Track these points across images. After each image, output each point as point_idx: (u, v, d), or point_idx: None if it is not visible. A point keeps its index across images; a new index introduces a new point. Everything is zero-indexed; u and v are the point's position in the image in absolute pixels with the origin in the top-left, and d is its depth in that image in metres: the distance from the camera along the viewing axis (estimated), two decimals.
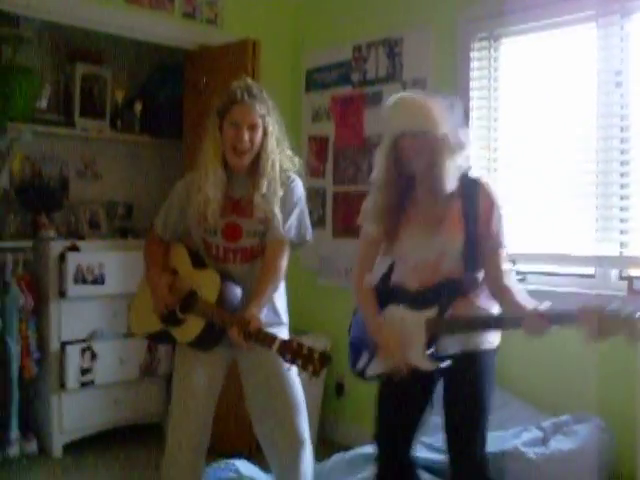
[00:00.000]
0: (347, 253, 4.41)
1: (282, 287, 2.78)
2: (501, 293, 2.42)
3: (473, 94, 3.86)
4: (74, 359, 4.11)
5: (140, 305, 2.84)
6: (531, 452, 2.96)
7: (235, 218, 2.68)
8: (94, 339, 4.21)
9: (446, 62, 3.96)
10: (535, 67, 3.69)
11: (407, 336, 2.44)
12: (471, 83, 3.86)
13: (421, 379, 2.47)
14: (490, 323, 2.44)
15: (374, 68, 4.31)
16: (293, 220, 2.70)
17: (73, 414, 4.14)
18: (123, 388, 4.35)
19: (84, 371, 4.14)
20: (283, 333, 2.75)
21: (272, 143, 2.67)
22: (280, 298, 2.78)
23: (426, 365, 2.41)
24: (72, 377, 4.10)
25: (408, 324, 2.45)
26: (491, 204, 2.43)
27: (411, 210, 2.50)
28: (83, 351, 4.15)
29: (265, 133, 2.66)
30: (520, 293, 2.40)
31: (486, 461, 2.47)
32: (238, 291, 2.62)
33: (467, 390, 2.45)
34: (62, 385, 4.09)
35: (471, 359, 2.45)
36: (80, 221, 4.64)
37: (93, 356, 4.18)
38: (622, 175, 3.40)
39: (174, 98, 4.77)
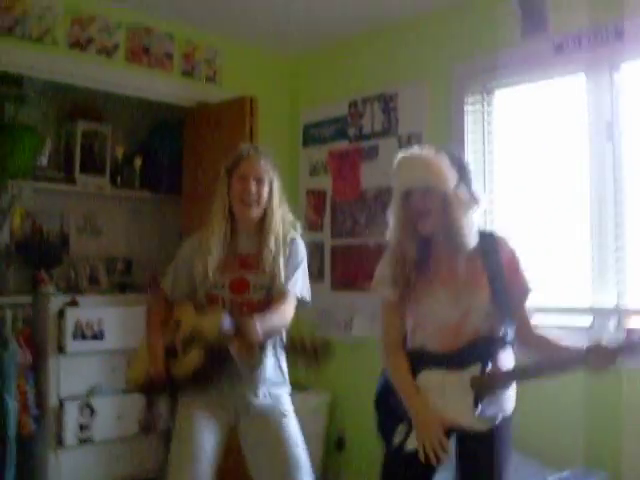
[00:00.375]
0: (346, 306, 4.42)
1: (283, 351, 2.77)
2: (538, 340, 2.37)
3: (468, 147, 3.91)
4: (72, 415, 4.07)
5: (137, 360, 2.83)
6: None
7: (243, 272, 2.71)
8: (93, 395, 4.18)
9: (440, 116, 4.03)
10: (528, 119, 3.75)
11: (451, 399, 2.31)
12: (465, 136, 3.93)
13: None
14: (550, 367, 2.30)
15: (370, 123, 4.39)
16: (298, 277, 2.73)
17: (71, 471, 4.08)
18: (122, 444, 4.30)
19: (82, 427, 4.11)
20: (285, 393, 2.77)
21: (277, 201, 2.75)
22: (284, 359, 2.78)
23: (480, 425, 2.29)
24: (70, 434, 4.05)
25: (450, 386, 2.31)
26: (511, 255, 2.39)
27: (430, 271, 2.41)
28: (82, 407, 4.11)
29: (271, 189, 2.73)
30: (558, 338, 2.33)
31: None
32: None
33: (489, 460, 2.34)
34: (60, 442, 4.04)
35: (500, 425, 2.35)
36: (80, 276, 4.65)
37: (92, 412, 4.15)
38: (617, 225, 3.43)
39: (173, 154, 4.84)
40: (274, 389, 2.72)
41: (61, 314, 4.08)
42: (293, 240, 2.77)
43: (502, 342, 2.35)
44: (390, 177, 2.45)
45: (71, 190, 4.67)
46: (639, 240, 3.38)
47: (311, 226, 4.67)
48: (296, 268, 2.73)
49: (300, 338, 2.35)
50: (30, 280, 4.37)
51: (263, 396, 2.70)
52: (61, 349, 4.07)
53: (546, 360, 2.33)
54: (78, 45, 3.98)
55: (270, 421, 2.68)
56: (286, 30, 4.50)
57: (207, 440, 2.66)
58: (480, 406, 2.27)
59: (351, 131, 4.50)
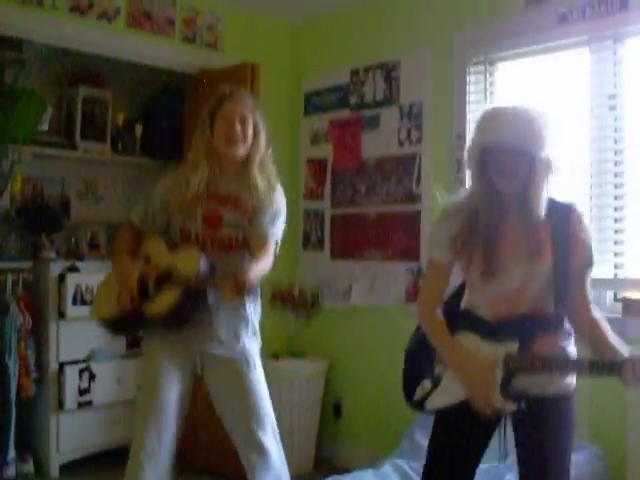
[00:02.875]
0: (345, 275, 4.43)
1: (259, 306, 2.80)
2: (589, 328, 2.20)
3: (469, 117, 3.89)
4: (72, 379, 4.12)
5: (105, 292, 2.81)
6: None
7: (217, 207, 2.72)
8: (92, 359, 4.22)
9: (442, 85, 4.01)
10: (530, 91, 3.73)
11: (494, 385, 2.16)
12: (467, 106, 3.91)
13: (484, 421, 2.21)
14: (582, 366, 2.14)
15: (371, 91, 4.36)
16: (279, 224, 2.74)
17: (71, 434, 4.14)
18: (121, 408, 4.35)
19: (82, 391, 4.15)
20: (254, 345, 2.78)
21: (263, 144, 2.75)
22: (256, 316, 2.80)
23: (504, 406, 2.14)
24: (70, 397, 4.11)
25: (482, 357, 2.19)
26: (580, 226, 2.22)
27: (497, 236, 2.21)
28: (81, 371, 4.16)
29: (256, 131, 2.73)
30: (610, 332, 2.18)
31: None
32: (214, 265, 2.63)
33: (549, 442, 2.19)
34: (60, 405, 4.10)
35: (552, 404, 2.20)
36: (80, 242, 4.67)
37: (91, 376, 4.19)
38: (616, 198, 3.44)
39: (174, 121, 4.83)
40: (241, 338, 2.73)
41: (61, 279, 4.11)
42: (275, 187, 2.76)
43: (549, 323, 2.21)
44: (475, 129, 2.23)
45: (72, 156, 4.68)
46: (639, 212, 3.39)
47: (311, 195, 4.68)
48: (277, 215, 2.73)
49: (288, 289, 2.33)
50: (31, 245, 4.39)
51: (228, 343, 2.71)
52: (61, 314, 4.10)
53: (586, 360, 2.15)
54: (78, 9, 3.94)
55: (236, 371, 2.72)
56: None
57: (172, 389, 2.70)
58: (508, 387, 2.14)
59: (352, 100, 4.48)
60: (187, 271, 2.56)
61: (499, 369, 2.15)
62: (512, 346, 2.16)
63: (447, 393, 2.26)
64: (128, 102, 5.06)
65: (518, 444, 2.25)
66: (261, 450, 2.71)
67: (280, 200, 2.76)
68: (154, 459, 2.68)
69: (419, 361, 2.37)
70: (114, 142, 4.84)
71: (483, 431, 2.29)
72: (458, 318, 2.30)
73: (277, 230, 2.74)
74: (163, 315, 2.58)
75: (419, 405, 2.32)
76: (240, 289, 2.42)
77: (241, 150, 2.71)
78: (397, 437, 3.76)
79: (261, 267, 2.60)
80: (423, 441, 3.58)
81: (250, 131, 2.72)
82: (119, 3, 4.10)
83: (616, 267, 3.41)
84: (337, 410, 4.50)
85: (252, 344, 2.77)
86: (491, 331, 2.21)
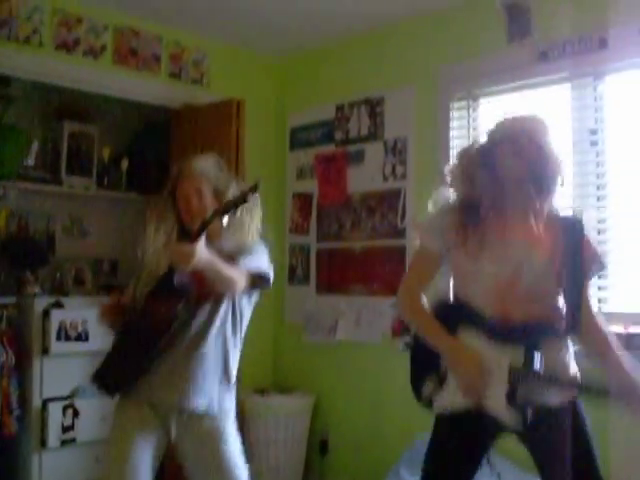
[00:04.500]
0: (331, 309, 4.43)
1: (238, 353, 2.70)
2: (599, 339, 2.21)
3: (454, 152, 3.93)
4: (56, 417, 4.06)
5: None
6: None
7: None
8: (76, 396, 4.18)
9: (426, 121, 4.06)
10: None
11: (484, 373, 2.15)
12: (451, 142, 3.95)
13: (488, 427, 2.18)
14: (591, 391, 2.13)
15: (356, 127, 4.41)
16: (254, 258, 2.63)
17: (53, 473, 4.06)
18: (105, 446, 4.29)
19: (66, 429, 4.10)
20: (229, 398, 2.65)
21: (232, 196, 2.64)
22: (234, 360, 2.67)
23: (509, 419, 2.11)
24: (53, 435, 4.04)
25: (486, 360, 2.15)
26: (588, 238, 2.32)
27: (493, 225, 2.26)
28: (65, 408, 4.10)
29: (217, 194, 2.66)
30: (622, 352, 2.17)
31: None
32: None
33: (567, 451, 2.15)
34: (43, 443, 4.03)
35: (560, 413, 2.17)
36: (65, 277, 4.64)
37: (75, 414, 4.14)
38: (599, 232, 3.46)
39: (160, 156, 4.84)
40: (214, 394, 2.58)
41: (46, 315, 4.08)
42: (250, 246, 2.66)
43: (555, 332, 2.20)
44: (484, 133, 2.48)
45: (57, 191, 4.67)
46: (621, 248, 3.41)
47: (297, 229, 4.69)
48: (253, 252, 2.63)
49: (226, 200, 2.46)
50: (15, 280, 4.36)
51: (198, 400, 2.56)
52: (45, 350, 4.05)
53: (597, 385, 2.12)
54: (65, 46, 3.98)
55: (208, 440, 2.59)
56: (274, 33, 4.52)
57: (143, 461, 2.58)
58: (514, 398, 2.10)
59: (338, 135, 4.51)
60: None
61: (505, 378, 2.11)
62: (517, 355, 2.12)
63: (454, 396, 2.21)
64: (114, 137, 5.07)
65: (539, 464, 2.23)
66: None
67: (255, 245, 2.67)
68: None
69: (424, 356, 2.30)
70: (100, 177, 4.84)
71: (481, 443, 2.26)
72: (454, 316, 2.25)
73: (252, 262, 2.60)
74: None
75: (429, 404, 2.27)
76: (193, 238, 2.36)
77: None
78: (383, 474, 3.73)
79: (224, 266, 2.46)
80: (409, 478, 3.57)
81: (208, 201, 2.64)
82: (105, 40, 4.14)
83: (600, 301, 3.42)
84: (323, 446, 4.46)
85: (227, 400, 2.63)
86: (496, 332, 2.17)
